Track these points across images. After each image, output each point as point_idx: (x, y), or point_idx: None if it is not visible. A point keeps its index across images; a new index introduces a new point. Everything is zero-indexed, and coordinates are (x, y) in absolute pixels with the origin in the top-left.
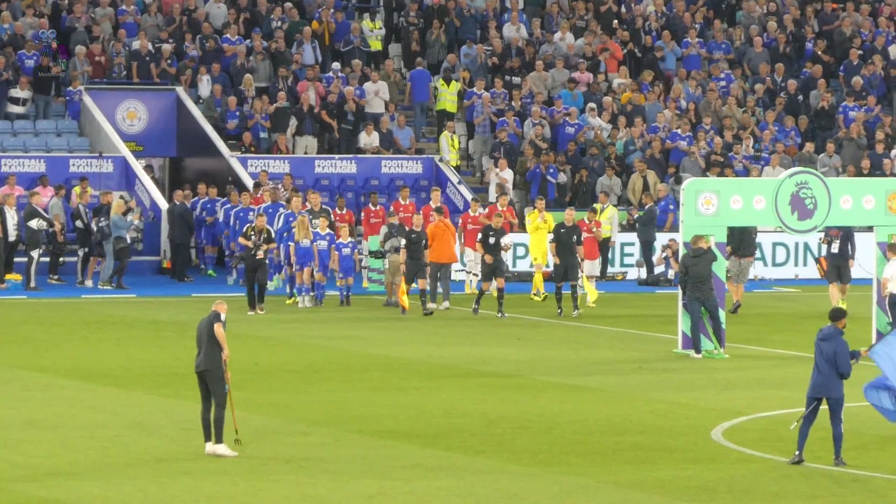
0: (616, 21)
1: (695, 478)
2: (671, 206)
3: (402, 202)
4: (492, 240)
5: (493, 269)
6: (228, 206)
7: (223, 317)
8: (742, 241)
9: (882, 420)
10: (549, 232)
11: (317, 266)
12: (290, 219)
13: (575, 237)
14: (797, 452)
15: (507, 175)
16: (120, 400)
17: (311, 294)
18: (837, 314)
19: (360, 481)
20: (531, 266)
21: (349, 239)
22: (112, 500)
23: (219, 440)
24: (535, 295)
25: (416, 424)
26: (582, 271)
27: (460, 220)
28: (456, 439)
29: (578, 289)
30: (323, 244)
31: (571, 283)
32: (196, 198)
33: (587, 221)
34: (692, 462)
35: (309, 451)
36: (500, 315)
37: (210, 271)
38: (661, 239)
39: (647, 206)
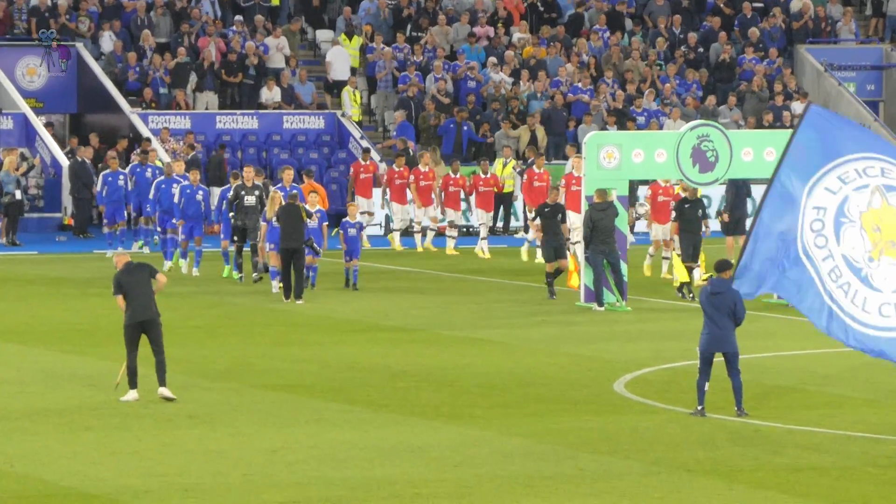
0: None
1: (598, 429)
2: None
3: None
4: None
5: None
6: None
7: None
8: (737, 198)
9: (782, 370)
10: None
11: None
12: (242, 192)
13: (700, 211)
14: (699, 407)
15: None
16: (22, 356)
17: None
18: (725, 265)
19: (264, 435)
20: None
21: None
22: (15, 457)
23: (163, 383)
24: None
25: (319, 378)
26: (674, 249)
27: (352, 170)
28: (359, 393)
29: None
30: (312, 223)
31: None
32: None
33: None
34: (595, 413)
35: (212, 406)
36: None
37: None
38: None
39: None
